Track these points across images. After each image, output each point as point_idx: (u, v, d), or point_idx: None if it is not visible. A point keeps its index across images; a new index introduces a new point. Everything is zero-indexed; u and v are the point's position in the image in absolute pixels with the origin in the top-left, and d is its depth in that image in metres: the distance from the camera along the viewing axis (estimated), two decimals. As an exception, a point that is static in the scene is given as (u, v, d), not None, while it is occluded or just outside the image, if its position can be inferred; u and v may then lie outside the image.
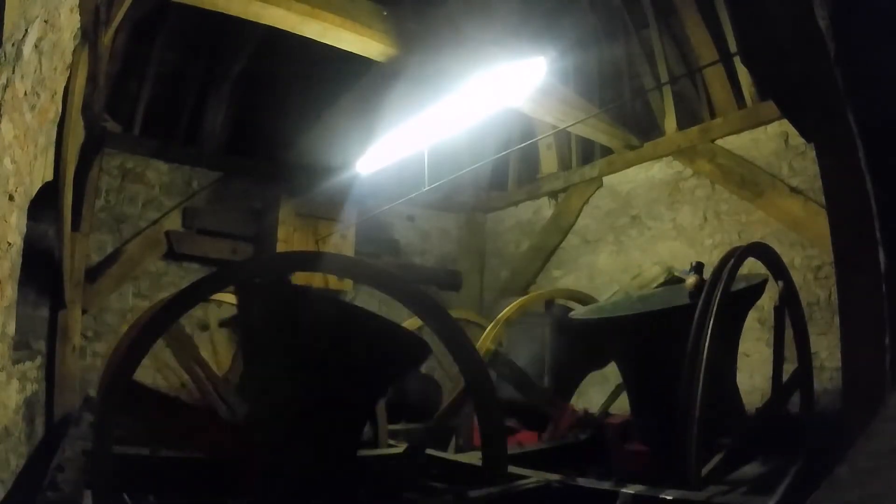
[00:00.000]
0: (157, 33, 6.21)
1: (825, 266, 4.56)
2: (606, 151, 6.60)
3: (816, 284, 4.64)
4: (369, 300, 2.97)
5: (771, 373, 3.01)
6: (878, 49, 2.38)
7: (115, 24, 3.96)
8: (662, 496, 2.26)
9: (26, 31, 2.14)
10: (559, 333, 4.43)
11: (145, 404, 2.29)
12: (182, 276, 6.08)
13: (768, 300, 3.45)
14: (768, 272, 3.18)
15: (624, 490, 2.36)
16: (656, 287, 4.23)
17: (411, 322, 5.05)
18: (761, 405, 3.15)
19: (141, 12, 5.46)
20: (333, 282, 6.07)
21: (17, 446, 3.09)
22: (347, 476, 2.47)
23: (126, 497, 2.22)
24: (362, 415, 2.73)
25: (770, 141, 5.13)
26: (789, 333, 3.17)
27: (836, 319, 2.39)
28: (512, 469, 2.73)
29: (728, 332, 2.94)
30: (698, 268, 3.04)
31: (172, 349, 4.31)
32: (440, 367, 5.74)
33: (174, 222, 6.22)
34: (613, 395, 4.43)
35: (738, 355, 3.39)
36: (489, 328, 4.16)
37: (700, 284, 2.86)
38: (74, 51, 3.17)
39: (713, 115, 5.62)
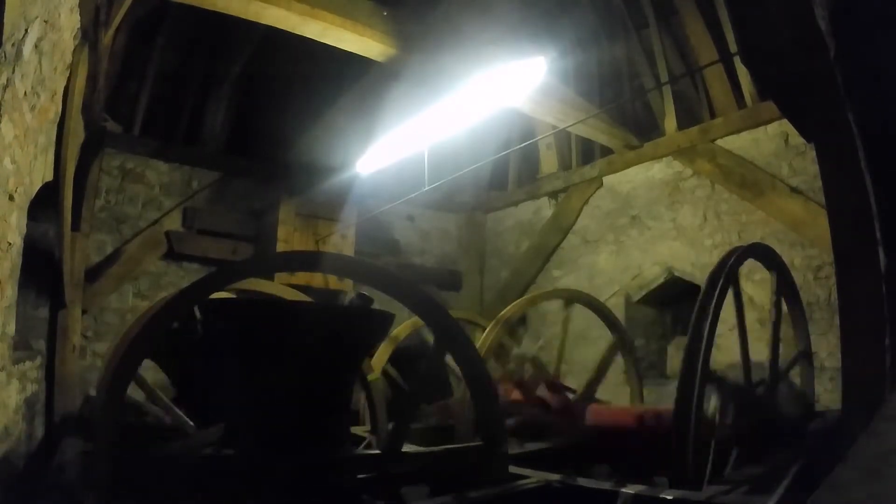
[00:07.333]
0: (157, 33, 6.21)
1: (825, 266, 4.56)
2: (606, 151, 6.60)
3: (816, 284, 4.64)
4: (369, 300, 3.03)
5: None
6: (878, 49, 2.38)
7: (115, 24, 3.96)
8: (662, 496, 2.26)
9: (26, 31, 2.14)
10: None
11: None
12: (182, 276, 6.08)
13: (768, 299, 3.45)
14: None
15: (624, 490, 2.36)
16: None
17: (411, 322, 5.06)
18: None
19: (141, 12, 5.46)
20: (333, 282, 6.07)
21: (17, 446, 3.09)
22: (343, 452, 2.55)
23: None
24: (347, 394, 2.82)
25: (770, 141, 5.13)
26: (790, 333, 3.17)
27: (836, 319, 2.39)
28: (512, 469, 2.73)
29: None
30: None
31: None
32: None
33: (174, 222, 6.22)
34: None
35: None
36: (489, 328, 4.16)
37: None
38: (74, 51, 3.17)
39: (713, 115, 5.62)
